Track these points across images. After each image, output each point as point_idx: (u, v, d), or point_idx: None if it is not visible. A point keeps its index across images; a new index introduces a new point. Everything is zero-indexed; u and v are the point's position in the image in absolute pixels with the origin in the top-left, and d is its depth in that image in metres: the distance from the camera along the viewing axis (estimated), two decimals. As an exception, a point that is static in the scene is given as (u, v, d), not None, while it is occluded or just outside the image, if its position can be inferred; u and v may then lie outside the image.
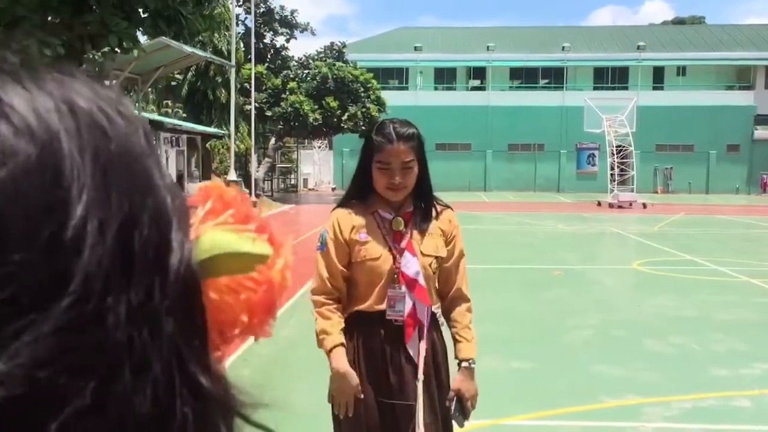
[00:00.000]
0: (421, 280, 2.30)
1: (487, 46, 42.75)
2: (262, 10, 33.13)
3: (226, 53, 24.81)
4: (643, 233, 16.44)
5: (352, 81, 29.63)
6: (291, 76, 30.98)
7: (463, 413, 2.37)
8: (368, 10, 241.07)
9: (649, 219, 21.03)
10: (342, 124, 29.71)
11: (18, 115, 0.31)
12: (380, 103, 30.19)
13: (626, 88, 42.23)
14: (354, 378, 2.26)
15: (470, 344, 2.38)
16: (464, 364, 2.37)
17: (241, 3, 31.03)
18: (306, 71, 31.72)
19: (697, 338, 6.40)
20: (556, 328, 6.77)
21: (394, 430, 2.32)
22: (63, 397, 0.29)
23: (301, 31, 35.12)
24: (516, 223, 19.18)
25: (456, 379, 2.38)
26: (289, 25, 34.47)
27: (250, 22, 30.32)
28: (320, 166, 45.34)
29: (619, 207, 26.06)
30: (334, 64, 30.15)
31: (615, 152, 28.49)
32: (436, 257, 2.36)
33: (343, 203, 2.42)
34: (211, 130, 26.43)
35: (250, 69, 27.42)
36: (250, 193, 24.14)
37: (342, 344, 2.28)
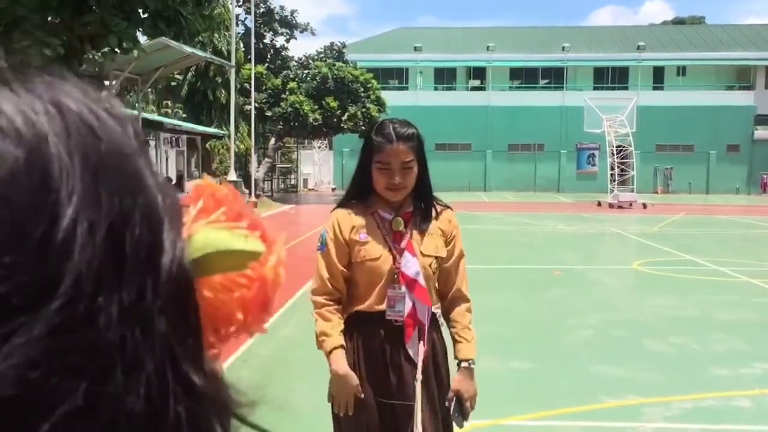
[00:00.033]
0: (421, 281, 2.30)
1: (487, 46, 42.75)
2: (262, 10, 33.14)
3: (226, 53, 24.81)
4: (643, 233, 16.44)
5: (352, 81, 29.63)
6: (291, 76, 30.98)
7: (463, 413, 2.37)
8: (368, 10, 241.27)
9: (649, 219, 21.03)
10: (342, 125, 29.72)
11: (5, 117, 0.31)
12: (380, 104, 30.19)
13: (626, 88, 42.24)
14: (354, 379, 2.26)
15: (470, 344, 2.38)
16: (464, 364, 2.36)
17: (240, 3, 31.04)
18: (306, 71, 31.73)
19: (697, 338, 6.40)
20: (555, 328, 6.77)
21: (393, 430, 2.32)
22: (55, 398, 0.29)
23: (301, 32, 35.13)
24: (516, 223, 19.18)
25: (455, 379, 2.38)
26: (289, 25, 34.47)
27: (250, 23, 30.35)
28: (320, 166, 45.35)
29: (619, 207, 26.06)
30: (334, 64, 30.15)
31: (615, 152, 28.49)
32: (436, 257, 2.36)
33: (342, 203, 2.42)
34: (211, 130, 26.45)
35: (250, 69, 27.43)
36: (250, 194, 24.15)
37: (342, 346, 2.28)
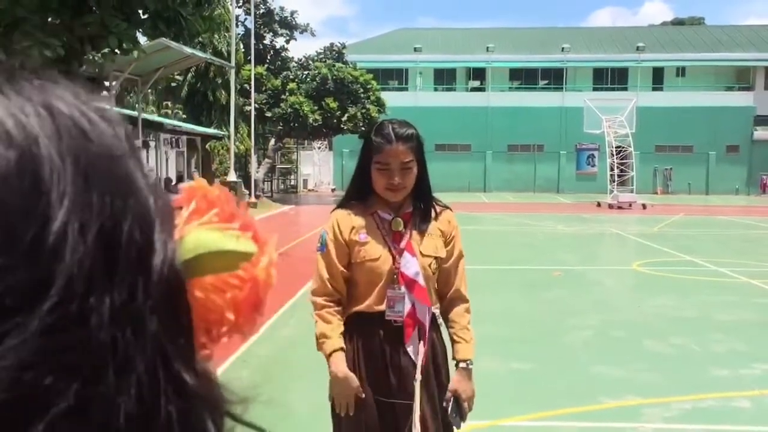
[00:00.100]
0: (421, 281, 2.31)
1: (487, 47, 42.77)
2: (261, 11, 33.17)
3: (225, 54, 24.80)
4: (643, 234, 16.45)
5: (352, 82, 29.65)
6: (291, 77, 30.99)
7: (460, 414, 2.37)
8: (368, 11, 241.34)
9: (649, 220, 21.03)
10: (342, 125, 29.73)
11: None
12: (380, 104, 30.20)
13: (626, 89, 42.24)
14: (354, 381, 2.26)
15: (468, 345, 2.38)
16: (462, 364, 2.36)
17: (240, 4, 31.05)
18: (306, 72, 31.73)
19: (696, 339, 6.40)
20: (555, 328, 6.77)
21: (393, 429, 2.32)
22: (48, 399, 0.29)
23: (301, 32, 35.17)
24: (516, 223, 19.18)
25: (453, 379, 2.38)
26: (289, 26, 34.49)
27: (250, 24, 30.39)
28: (320, 166, 45.35)
29: (619, 208, 26.07)
30: (334, 65, 30.17)
31: (614, 153, 28.51)
32: (436, 258, 2.36)
33: (342, 204, 2.42)
34: (211, 131, 26.44)
35: (249, 70, 27.45)
36: (250, 194, 24.16)
37: (342, 349, 2.28)
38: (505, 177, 42.04)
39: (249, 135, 28.53)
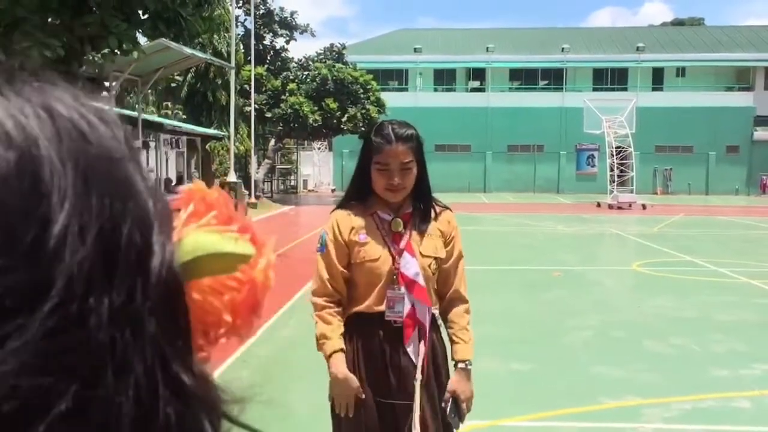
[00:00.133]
0: (421, 281, 2.31)
1: (487, 48, 42.77)
2: (261, 11, 33.16)
3: (225, 55, 24.79)
4: (643, 234, 16.45)
5: (352, 82, 29.65)
6: (291, 77, 30.99)
7: (459, 414, 2.37)
8: (368, 11, 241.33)
9: (649, 220, 21.03)
10: (342, 126, 29.72)
11: None
12: (380, 105, 30.19)
13: (625, 89, 42.24)
14: (354, 381, 2.26)
15: (467, 345, 2.38)
16: (460, 365, 2.37)
17: (240, 5, 31.04)
18: (306, 73, 31.73)
19: (696, 339, 6.40)
20: (555, 329, 6.77)
21: (393, 429, 2.32)
22: (48, 401, 0.30)
23: (301, 33, 35.16)
24: (515, 224, 19.19)
25: (452, 380, 2.38)
26: (289, 26, 34.49)
27: (250, 24, 30.36)
28: (320, 167, 45.35)
29: (619, 208, 26.07)
30: (334, 66, 30.17)
31: (614, 153, 28.50)
32: (435, 258, 2.36)
33: (342, 204, 2.42)
34: (211, 131, 26.44)
35: (249, 70, 27.44)
36: (250, 195, 24.15)
37: (342, 350, 2.29)
38: (505, 177, 42.04)
39: (249, 135, 28.52)
